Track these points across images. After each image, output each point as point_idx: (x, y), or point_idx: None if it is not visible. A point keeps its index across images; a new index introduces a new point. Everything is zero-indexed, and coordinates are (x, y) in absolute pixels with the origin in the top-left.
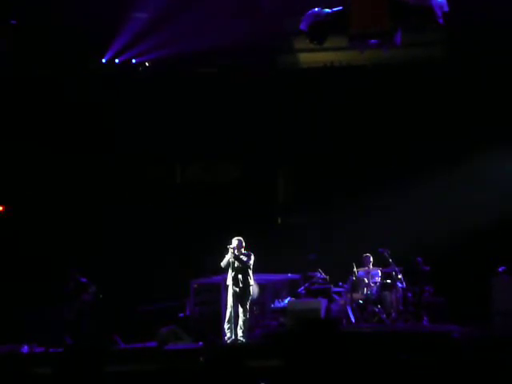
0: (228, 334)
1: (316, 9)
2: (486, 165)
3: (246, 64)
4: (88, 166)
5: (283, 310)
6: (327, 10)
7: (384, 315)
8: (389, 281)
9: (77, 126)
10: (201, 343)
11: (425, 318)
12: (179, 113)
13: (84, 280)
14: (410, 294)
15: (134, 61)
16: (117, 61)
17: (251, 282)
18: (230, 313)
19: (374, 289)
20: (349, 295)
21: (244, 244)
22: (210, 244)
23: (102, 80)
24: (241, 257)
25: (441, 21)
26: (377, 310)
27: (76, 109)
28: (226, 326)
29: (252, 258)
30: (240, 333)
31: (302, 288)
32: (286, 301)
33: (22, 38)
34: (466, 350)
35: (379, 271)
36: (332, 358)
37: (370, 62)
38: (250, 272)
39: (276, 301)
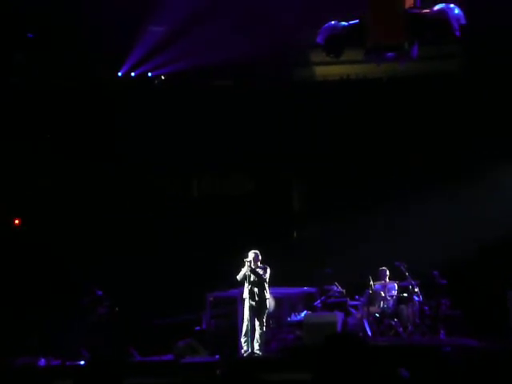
0: (245, 348)
1: (332, 22)
2: (503, 177)
3: (262, 77)
4: (107, 179)
5: (299, 323)
6: (344, 23)
7: (401, 329)
8: (405, 294)
9: (91, 139)
10: (217, 356)
11: (441, 332)
12: (195, 126)
13: (100, 293)
14: (426, 308)
15: (149, 74)
16: (133, 74)
17: (267, 295)
18: (247, 326)
19: (391, 302)
20: (365, 308)
21: (260, 257)
22: (226, 257)
23: (120, 93)
24: (257, 270)
25: (458, 34)
26: (393, 323)
27: (92, 122)
28: (243, 339)
29: (268, 271)
30: (256, 346)
31: (319, 301)
32: (303, 314)
33: (37, 51)
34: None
35: (396, 285)
36: (361, 373)
37: (385, 75)
38: (266, 285)
39: (292, 314)
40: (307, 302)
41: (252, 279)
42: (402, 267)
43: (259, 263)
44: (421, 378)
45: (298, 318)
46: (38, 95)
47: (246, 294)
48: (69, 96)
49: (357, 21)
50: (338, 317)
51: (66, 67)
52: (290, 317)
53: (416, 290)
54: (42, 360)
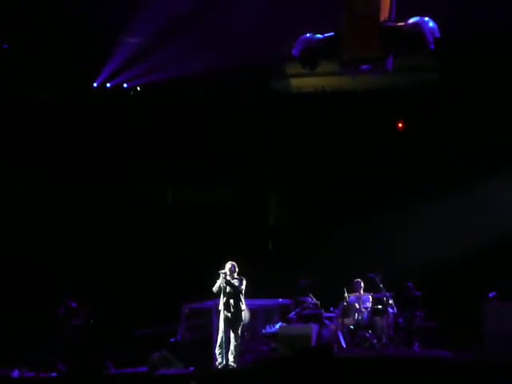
0: (219, 360)
1: (308, 34)
2: (476, 191)
3: (238, 88)
4: (80, 190)
5: (274, 335)
6: (319, 35)
7: (375, 340)
8: (380, 306)
9: (70, 151)
10: (192, 368)
11: (416, 344)
12: (172, 136)
13: (74, 305)
14: (400, 320)
15: (125, 85)
16: (108, 85)
17: (243, 307)
18: (222, 338)
19: (365, 314)
20: (340, 320)
21: (237, 269)
22: (202, 268)
23: (95, 104)
24: (232, 282)
25: (432, 47)
26: (368, 335)
27: (70, 132)
28: (218, 351)
29: (244, 283)
30: (231, 358)
31: (294, 313)
32: (278, 326)
33: (13, 62)
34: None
35: (370, 297)
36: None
37: (361, 87)
38: (242, 297)
39: (267, 326)
40: (282, 314)
41: (228, 291)
42: (376, 279)
43: (235, 275)
44: None
45: (273, 329)
46: (11, 107)
47: (221, 306)
48: (43, 108)
49: (332, 33)
50: (312, 329)
51: (40, 78)
52: (265, 328)
53: (390, 301)
54: (16, 371)
